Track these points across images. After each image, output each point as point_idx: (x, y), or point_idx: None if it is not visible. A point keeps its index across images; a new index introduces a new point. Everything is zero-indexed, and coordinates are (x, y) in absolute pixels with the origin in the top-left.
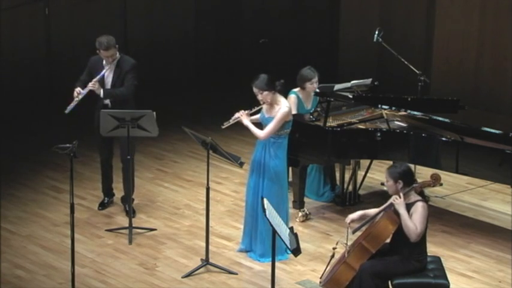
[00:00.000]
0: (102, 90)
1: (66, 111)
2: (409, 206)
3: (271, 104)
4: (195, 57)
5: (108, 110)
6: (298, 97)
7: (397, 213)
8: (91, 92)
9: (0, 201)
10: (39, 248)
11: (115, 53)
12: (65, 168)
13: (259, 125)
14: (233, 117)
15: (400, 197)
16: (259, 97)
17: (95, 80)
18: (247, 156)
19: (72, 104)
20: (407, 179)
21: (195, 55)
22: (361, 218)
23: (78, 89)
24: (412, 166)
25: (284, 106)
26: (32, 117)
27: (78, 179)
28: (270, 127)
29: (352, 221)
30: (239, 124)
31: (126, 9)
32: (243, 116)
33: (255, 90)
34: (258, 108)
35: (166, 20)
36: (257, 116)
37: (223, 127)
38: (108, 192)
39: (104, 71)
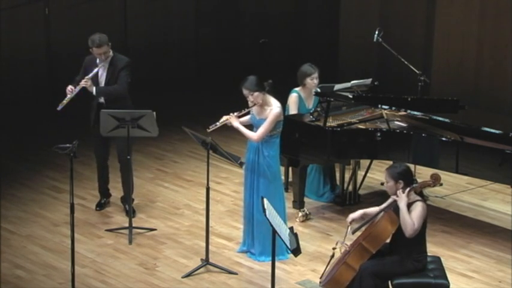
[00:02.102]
0: (94, 88)
1: (59, 108)
2: (408, 206)
3: (262, 106)
4: (195, 57)
5: (108, 110)
6: (299, 96)
7: (397, 213)
8: (85, 90)
9: (0, 201)
10: (39, 248)
11: (108, 50)
12: (65, 168)
13: (250, 127)
14: (220, 120)
15: (402, 193)
16: (250, 99)
17: (87, 77)
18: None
19: (65, 101)
20: (407, 179)
21: (195, 55)
22: (362, 217)
23: (70, 87)
24: (412, 166)
25: (275, 107)
26: (32, 117)
27: (78, 179)
28: (263, 129)
29: (353, 220)
30: None
31: (126, 10)
32: (233, 119)
33: (244, 92)
34: (247, 110)
35: (166, 20)
36: (247, 118)
37: (209, 130)
38: (104, 192)
39: (97, 68)
